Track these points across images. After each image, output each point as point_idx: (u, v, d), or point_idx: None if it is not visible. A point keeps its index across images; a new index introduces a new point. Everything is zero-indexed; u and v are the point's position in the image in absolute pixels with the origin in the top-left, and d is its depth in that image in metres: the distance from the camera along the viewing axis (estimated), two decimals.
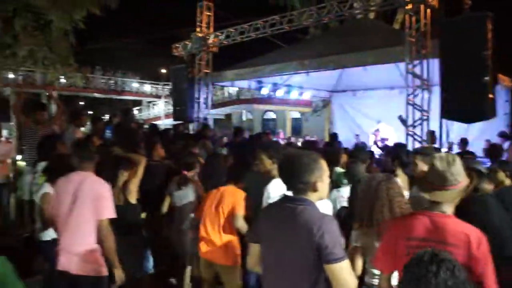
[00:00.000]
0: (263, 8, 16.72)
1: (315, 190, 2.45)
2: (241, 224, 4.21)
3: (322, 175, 2.48)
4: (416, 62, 8.14)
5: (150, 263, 4.91)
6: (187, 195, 5.16)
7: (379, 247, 2.67)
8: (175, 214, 5.26)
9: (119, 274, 3.76)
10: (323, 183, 2.49)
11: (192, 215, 4.98)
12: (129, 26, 38.51)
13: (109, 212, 3.73)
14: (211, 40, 13.76)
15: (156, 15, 44.50)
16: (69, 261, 3.63)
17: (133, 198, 4.59)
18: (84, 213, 3.66)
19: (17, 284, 2.46)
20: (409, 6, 8.23)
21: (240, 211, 4.24)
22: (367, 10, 9.51)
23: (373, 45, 8.82)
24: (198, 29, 14.24)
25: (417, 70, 8.18)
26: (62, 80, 18.68)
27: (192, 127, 13.60)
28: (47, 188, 4.22)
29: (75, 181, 3.73)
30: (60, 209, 3.73)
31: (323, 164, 2.51)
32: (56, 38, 10.32)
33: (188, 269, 5.03)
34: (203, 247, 4.39)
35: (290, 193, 2.52)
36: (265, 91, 13.52)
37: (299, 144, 11.18)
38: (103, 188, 3.77)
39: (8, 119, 12.72)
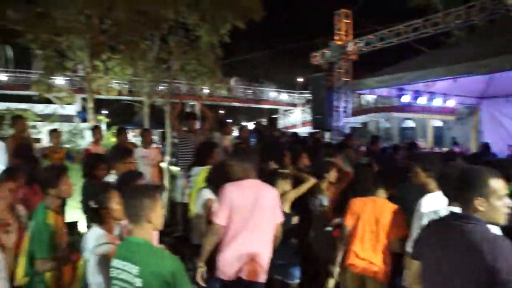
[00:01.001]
0: (402, 13, 16.08)
1: (477, 209, 2.25)
2: (397, 247, 4.03)
3: (488, 193, 2.25)
4: None
5: (298, 271, 4.92)
6: (322, 201, 5.17)
7: None
8: (314, 221, 5.28)
9: None
10: (489, 204, 2.25)
11: (337, 220, 4.88)
12: (266, 36, 39.76)
13: (281, 216, 3.95)
14: (350, 47, 13.62)
15: (292, 25, 45.44)
16: (243, 268, 3.70)
17: (287, 208, 4.68)
18: (266, 220, 3.78)
19: (186, 284, 2.63)
20: None
21: (399, 234, 4.05)
22: None
23: None
24: (336, 37, 14.19)
25: None
26: (205, 90, 19.88)
27: (329, 136, 13.56)
28: (209, 194, 4.43)
29: (253, 189, 3.79)
30: (235, 217, 3.75)
31: (495, 182, 2.27)
32: (204, 52, 11.05)
33: (332, 280, 4.96)
34: (356, 260, 4.28)
35: (455, 209, 2.35)
36: (406, 98, 12.94)
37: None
38: (276, 194, 3.95)
39: (161, 126, 13.85)
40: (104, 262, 2.92)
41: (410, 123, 34.17)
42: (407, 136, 30.66)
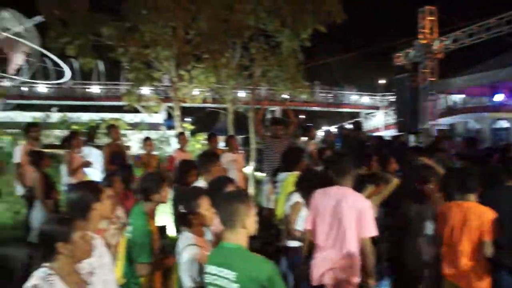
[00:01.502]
0: (490, 6, 15.12)
1: None
2: (489, 251, 3.77)
3: None
4: None
5: (386, 279, 4.76)
6: (426, 210, 4.89)
7: None
8: (409, 228, 5.03)
9: None
10: None
11: (431, 228, 4.65)
12: (345, 39, 39.19)
13: (371, 229, 3.66)
14: (435, 46, 13.05)
15: (371, 26, 44.43)
16: (327, 275, 3.67)
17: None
18: (347, 229, 3.64)
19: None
20: None
21: (488, 237, 3.78)
22: None
23: None
24: (420, 36, 13.66)
25: None
26: (285, 95, 19.95)
27: (414, 139, 13.03)
28: (297, 198, 4.43)
29: (336, 196, 3.72)
30: (318, 222, 3.76)
31: None
32: (285, 58, 11.06)
33: None
34: (448, 269, 4.06)
35: None
36: (499, 97, 12.13)
37: None
38: (365, 205, 3.70)
39: (243, 132, 14.05)
40: (191, 264, 2.98)
41: (504, 124, 31.93)
42: (500, 138, 28.68)
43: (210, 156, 4.99)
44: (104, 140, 11.69)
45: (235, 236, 2.67)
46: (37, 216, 5.96)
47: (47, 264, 2.35)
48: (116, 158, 7.34)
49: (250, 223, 2.70)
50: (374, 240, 4.06)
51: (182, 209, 3.24)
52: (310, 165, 6.22)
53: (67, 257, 2.36)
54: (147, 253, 3.50)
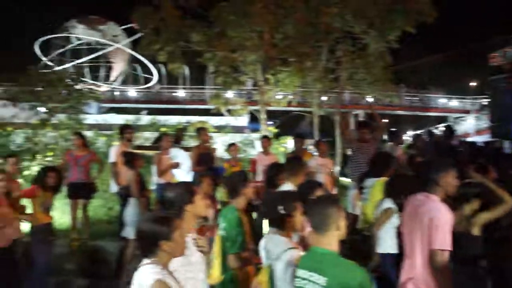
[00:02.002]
0: None
1: None
2: None
3: None
4: None
5: None
6: None
7: None
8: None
9: None
10: None
11: None
12: (433, 39, 37.57)
13: (442, 243, 3.31)
14: None
15: (461, 25, 42.19)
16: (408, 284, 3.53)
17: (476, 230, 4.17)
18: (417, 238, 3.46)
19: None
20: None
21: None
22: None
23: None
24: None
25: None
26: (369, 99, 19.49)
27: (509, 145, 12.16)
28: (389, 204, 4.30)
29: (416, 203, 3.59)
30: (404, 230, 3.67)
31: None
32: (372, 60, 10.80)
33: None
34: None
35: None
36: None
37: None
38: (441, 217, 3.37)
39: (328, 136, 13.89)
40: (291, 268, 2.96)
41: None
42: None
43: (297, 160, 4.97)
44: (190, 142, 12.08)
45: (327, 241, 2.65)
46: (131, 213, 6.26)
47: (149, 260, 2.47)
48: (204, 160, 7.54)
49: (343, 226, 2.68)
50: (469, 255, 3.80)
51: (281, 210, 3.23)
52: (398, 171, 5.99)
53: (167, 254, 2.49)
54: (238, 244, 3.67)
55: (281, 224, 3.23)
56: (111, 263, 6.97)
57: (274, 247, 3.17)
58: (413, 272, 3.51)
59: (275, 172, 5.01)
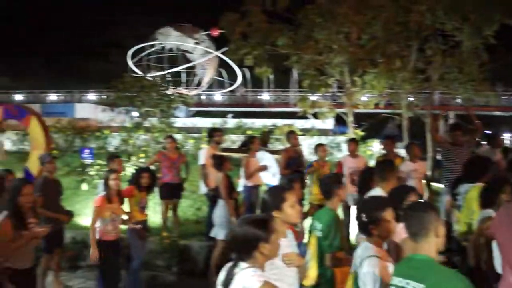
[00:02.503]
0: None
1: None
2: None
3: None
4: None
5: None
6: None
7: None
8: None
9: None
10: None
11: None
12: None
13: None
14: None
15: None
16: None
17: None
18: (503, 251, 3.18)
19: None
20: None
21: None
22: None
23: None
24: None
25: None
26: (461, 99, 18.47)
27: None
28: (491, 213, 4.05)
29: (507, 211, 3.34)
30: (499, 240, 3.35)
31: None
32: (465, 58, 10.21)
33: None
34: None
35: None
36: None
37: None
38: None
39: (417, 139, 13.35)
40: (372, 276, 2.90)
41: None
42: None
43: (388, 164, 4.82)
44: (276, 145, 12.17)
45: (425, 248, 2.53)
46: (219, 214, 6.43)
47: (248, 264, 2.48)
48: (293, 163, 7.55)
49: (442, 233, 2.56)
50: None
51: (364, 218, 3.16)
52: (497, 176, 5.60)
53: (263, 256, 2.50)
54: (336, 244, 3.76)
55: (368, 231, 3.15)
56: (199, 262, 7.22)
57: (361, 253, 3.11)
58: None
59: (367, 176, 4.90)
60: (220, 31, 32.42)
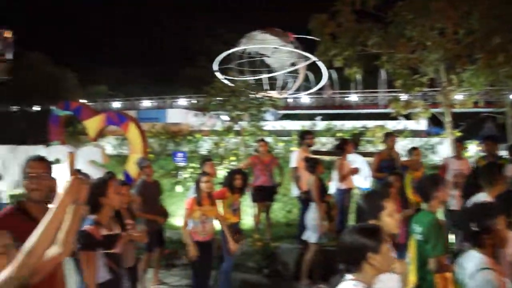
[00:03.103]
0: None
1: None
2: None
3: None
4: None
5: None
6: None
7: None
8: None
9: None
10: None
11: None
12: None
13: None
14: None
15: None
16: None
17: None
18: None
19: None
20: None
21: None
22: None
23: None
24: None
25: None
26: None
27: None
28: None
29: None
30: None
31: None
32: None
33: None
34: None
35: None
36: None
37: None
38: None
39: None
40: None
41: None
42: None
43: (495, 168, 4.49)
44: (367, 147, 11.87)
45: None
46: (312, 217, 6.37)
47: (353, 276, 2.37)
48: (386, 166, 7.28)
49: None
50: None
51: (474, 227, 2.94)
52: None
53: (372, 268, 2.35)
54: (440, 247, 3.60)
55: (477, 241, 2.94)
56: (290, 265, 7.18)
57: (468, 263, 2.91)
58: None
59: (474, 179, 4.60)
60: (294, 35, 32.73)
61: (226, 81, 10.66)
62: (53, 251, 2.15)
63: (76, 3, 77.07)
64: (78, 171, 3.06)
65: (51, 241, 2.02)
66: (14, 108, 34.33)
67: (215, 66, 32.71)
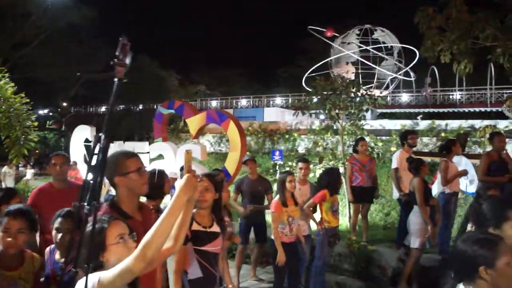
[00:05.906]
0: None
1: None
2: None
3: None
4: None
5: None
6: None
7: None
8: None
9: None
10: None
11: None
12: None
13: None
14: None
15: None
16: None
17: None
18: None
19: None
20: None
21: None
22: None
23: None
24: None
25: None
26: None
27: None
28: None
29: None
30: None
31: None
32: None
33: None
34: None
35: None
36: None
37: None
38: None
39: None
40: None
41: None
42: None
43: None
44: (474, 149, 11.10)
45: None
46: (415, 221, 6.04)
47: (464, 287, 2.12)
48: (495, 169, 6.67)
49: None
50: None
51: None
52: None
53: (487, 284, 2.06)
54: None
55: None
56: (388, 269, 6.89)
57: None
58: None
59: None
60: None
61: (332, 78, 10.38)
62: (166, 244, 2.22)
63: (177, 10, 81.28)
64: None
65: (168, 235, 2.07)
66: (121, 106, 36.72)
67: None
